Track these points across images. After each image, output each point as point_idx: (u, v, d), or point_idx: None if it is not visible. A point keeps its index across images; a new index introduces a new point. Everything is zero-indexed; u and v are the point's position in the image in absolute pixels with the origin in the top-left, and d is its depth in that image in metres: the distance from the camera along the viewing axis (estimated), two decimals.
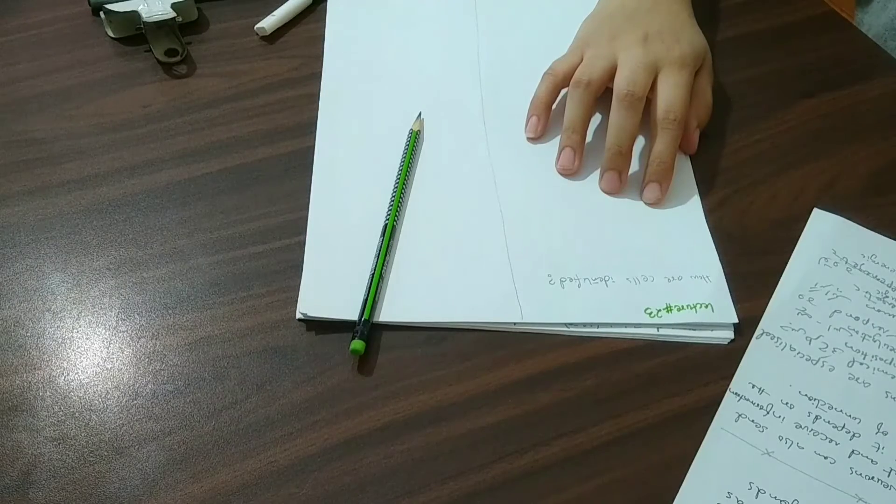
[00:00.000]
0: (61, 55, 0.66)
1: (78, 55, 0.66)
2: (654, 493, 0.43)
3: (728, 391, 0.47)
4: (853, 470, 0.44)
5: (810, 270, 0.52)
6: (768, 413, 0.46)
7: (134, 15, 0.65)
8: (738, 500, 0.43)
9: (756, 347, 0.49)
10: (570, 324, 0.50)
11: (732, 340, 0.49)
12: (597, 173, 0.58)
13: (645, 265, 0.52)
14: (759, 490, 0.43)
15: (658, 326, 0.49)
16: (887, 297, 0.51)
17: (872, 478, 0.44)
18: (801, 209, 0.56)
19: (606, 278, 0.52)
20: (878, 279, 0.52)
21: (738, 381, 0.47)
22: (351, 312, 0.49)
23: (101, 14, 0.67)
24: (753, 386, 0.47)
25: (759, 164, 0.59)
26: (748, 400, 0.47)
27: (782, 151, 0.60)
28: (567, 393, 0.47)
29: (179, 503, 0.43)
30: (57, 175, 0.58)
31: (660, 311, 0.50)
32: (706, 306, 0.50)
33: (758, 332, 0.50)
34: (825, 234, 0.54)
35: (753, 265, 0.53)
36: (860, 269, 0.52)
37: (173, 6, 0.66)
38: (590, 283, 0.51)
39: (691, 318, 0.50)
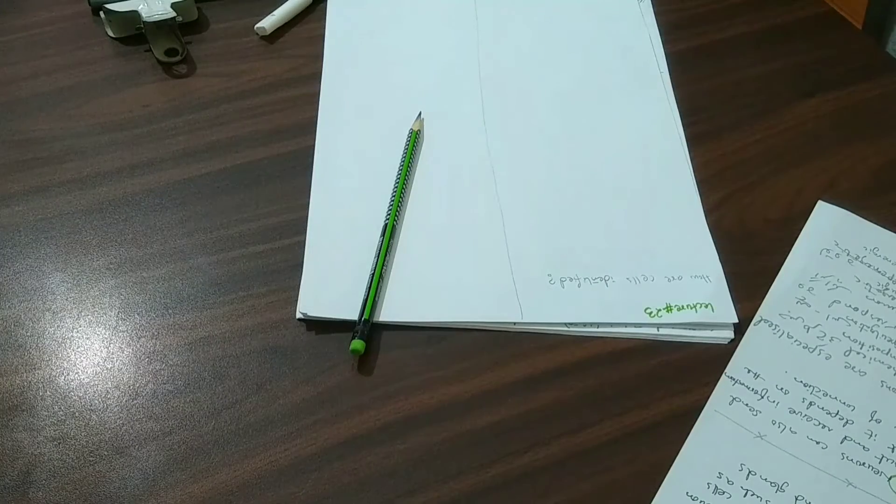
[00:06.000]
0: (61, 55, 0.66)
1: (78, 55, 0.66)
2: (653, 493, 0.43)
3: (723, 375, 0.47)
4: (845, 455, 0.44)
5: (811, 261, 0.53)
6: (762, 397, 0.46)
7: (134, 15, 0.65)
8: (728, 481, 0.43)
9: (754, 334, 0.49)
10: (570, 323, 0.50)
11: (732, 340, 0.49)
12: (596, 173, 0.58)
13: (645, 265, 0.52)
14: (749, 472, 0.44)
15: (658, 326, 0.50)
16: (888, 289, 0.51)
17: (863, 464, 0.44)
18: (801, 209, 0.56)
19: (606, 278, 0.52)
20: (878, 271, 0.52)
21: (734, 366, 0.48)
22: (351, 312, 0.49)
23: (101, 14, 0.67)
24: (749, 371, 0.48)
25: (759, 164, 0.59)
26: (743, 384, 0.47)
27: (782, 151, 0.60)
28: (567, 393, 0.47)
29: (179, 503, 0.43)
30: (57, 175, 0.58)
31: (660, 310, 0.50)
32: (706, 306, 0.50)
33: (756, 318, 0.50)
34: (828, 225, 0.55)
35: (753, 265, 0.53)
36: (861, 262, 0.52)
37: (173, 6, 0.66)
38: (590, 282, 0.51)
39: (691, 318, 0.50)
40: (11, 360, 0.48)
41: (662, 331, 0.49)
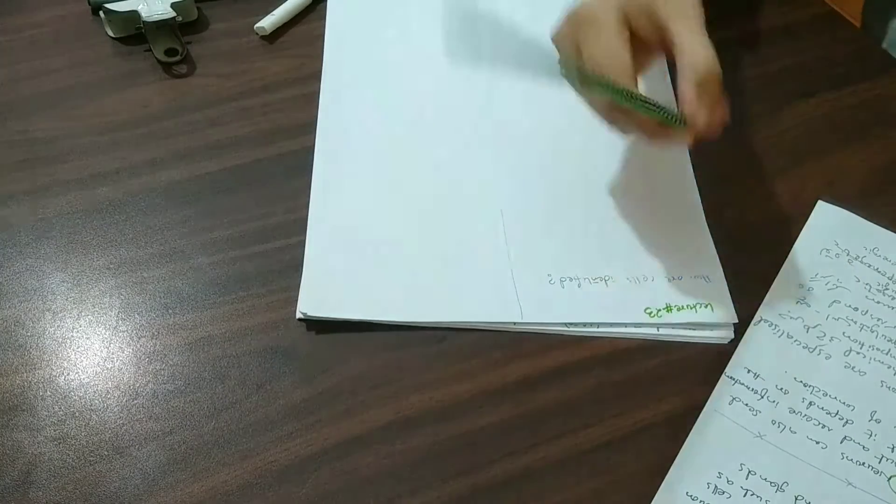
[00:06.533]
0: (61, 55, 0.66)
1: (78, 55, 0.66)
2: (653, 493, 0.43)
3: (723, 375, 0.47)
4: (844, 455, 0.44)
5: (811, 261, 0.53)
6: (762, 397, 0.46)
7: (134, 15, 0.65)
8: (728, 481, 0.43)
9: (754, 333, 0.49)
10: (570, 323, 0.50)
11: (732, 340, 0.49)
12: (596, 173, 0.58)
13: (645, 265, 0.52)
14: (749, 471, 0.44)
15: (658, 326, 0.50)
16: (887, 289, 0.51)
17: (863, 464, 0.44)
18: (801, 209, 0.56)
19: (607, 278, 0.52)
20: (878, 271, 0.52)
21: (734, 366, 0.48)
22: (351, 312, 0.49)
23: (101, 14, 0.67)
24: (749, 371, 0.48)
25: (759, 164, 0.59)
26: (743, 384, 0.47)
27: (782, 151, 0.60)
28: (567, 393, 0.47)
29: (180, 503, 0.43)
30: (57, 175, 0.58)
31: (660, 310, 0.50)
32: (706, 306, 0.50)
33: (756, 318, 0.50)
34: (828, 225, 0.55)
35: (753, 265, 0.53)
36: (861, 262, 0.52)
37: (173, 6, 0.66)
38: (590, 282, 0.51)
39: (691, 318, 0.50)
40: (11, 360, 0.48)
41: (662, 331, 0.49)
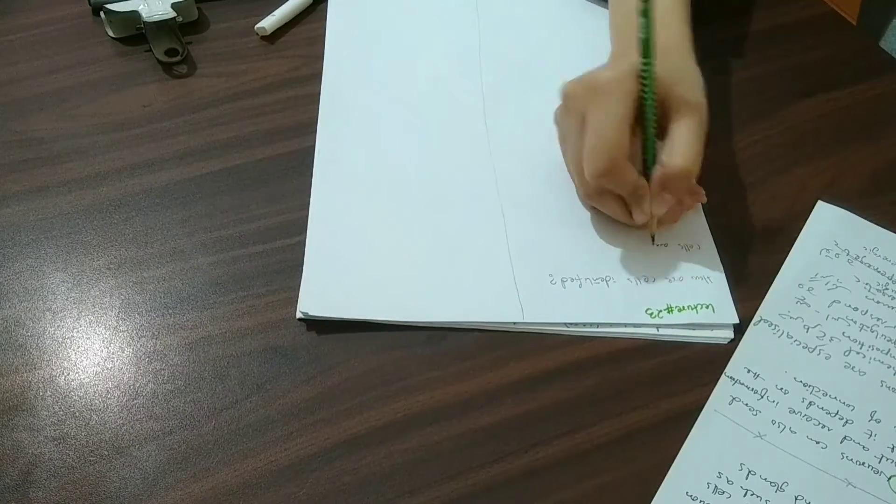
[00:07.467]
0: (61, 55, 0.66)
1: (78, 55, 0.66)
2: (653, 493, 0.43)
3: (723, 375, 0.47)
4: (844, 455, 0.44)
5: (811, 261, 0.53)
6: (762, 397, 0.46)
7: (134, 15, 0.65)
8: (728, 481, 0.43)
9: (753, 334, 0.49)
10: (570, 324, 0.50)
11: (732, 340, 0.49)
12: None
13: (646, 266, 0.52)
14: (749, 471, 0.44)
15: (658, 326, 0.50)
16: (887, 289, 0.51)
17: (863, 464, 0.44)
18: (801, 209, 0.56)
19: (608, 278, 0.52)
20: (878, 271, 0.52)
21: (734, 366, 0.48)
22: (351, 312, 0.49)
23: (102, 14, 0.67)
24: (749, 371, 0.48)
25: (759, 164, 0.59)
26: (743, 384, 0.47)
27: (782, 151, 0.60)
28: (567, 393, 0.47)
29: (179, 503, 0.43)
30: (57, 175, 0.58)
31: (661, 311, 0.50)
32: (707, 307, 0.50)
33: (756, 318, 0.50)
34: (828, 225, 0.55)
35: (754, 265, 0.53)
36: (861, 262, 0.52)
37: (173, 6, 0.66)
38: (591, 283, 0.51)
39: (693, 319, 0.50)
40: (12, 360, 0.48)
41: (662, 331, 0.49)
